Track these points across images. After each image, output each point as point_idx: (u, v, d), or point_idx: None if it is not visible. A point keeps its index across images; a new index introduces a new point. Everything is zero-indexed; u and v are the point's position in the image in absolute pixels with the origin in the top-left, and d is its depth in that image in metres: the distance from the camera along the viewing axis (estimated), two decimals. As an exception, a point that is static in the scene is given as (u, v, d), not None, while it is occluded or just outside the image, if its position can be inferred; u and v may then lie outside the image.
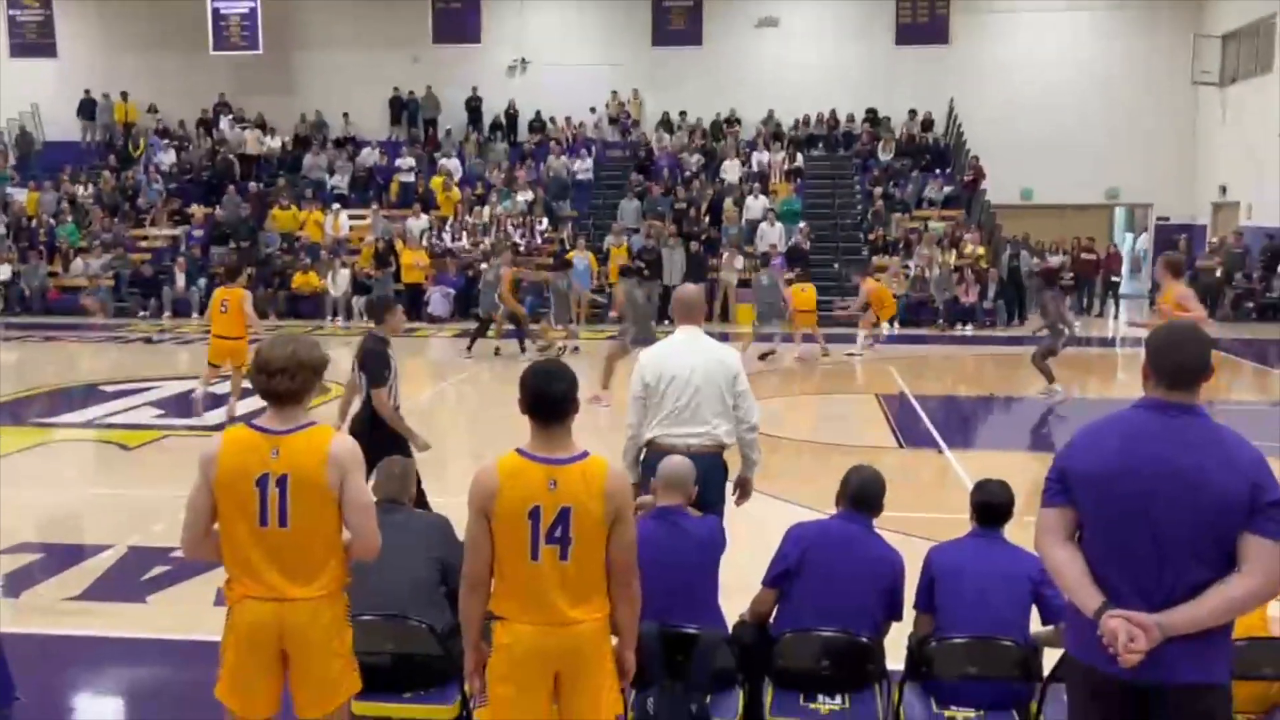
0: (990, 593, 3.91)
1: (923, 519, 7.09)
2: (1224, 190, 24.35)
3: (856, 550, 4.13)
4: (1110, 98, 25.15)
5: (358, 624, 3.73)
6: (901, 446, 10.59)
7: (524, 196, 23.65)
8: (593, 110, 26.59)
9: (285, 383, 3.34)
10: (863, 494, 4.24)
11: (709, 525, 4.27)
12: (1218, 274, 21.00)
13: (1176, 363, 2.98)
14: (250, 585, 3.36)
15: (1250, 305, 20.86)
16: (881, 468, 8.92)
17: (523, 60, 26.91)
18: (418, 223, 22.77)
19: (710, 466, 4.89)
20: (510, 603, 3.28)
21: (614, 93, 26.68)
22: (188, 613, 5.93)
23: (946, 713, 3.87)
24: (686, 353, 5.14)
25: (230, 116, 26.94)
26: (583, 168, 25.18)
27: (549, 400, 3.26)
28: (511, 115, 26.84)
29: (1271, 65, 22.09)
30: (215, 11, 25.37)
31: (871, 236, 22.79)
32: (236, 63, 26.27)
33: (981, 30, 25.74)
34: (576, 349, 16.49)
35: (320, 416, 3.68)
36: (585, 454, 3.30)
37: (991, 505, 4.14)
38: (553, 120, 26.60)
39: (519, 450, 3.31)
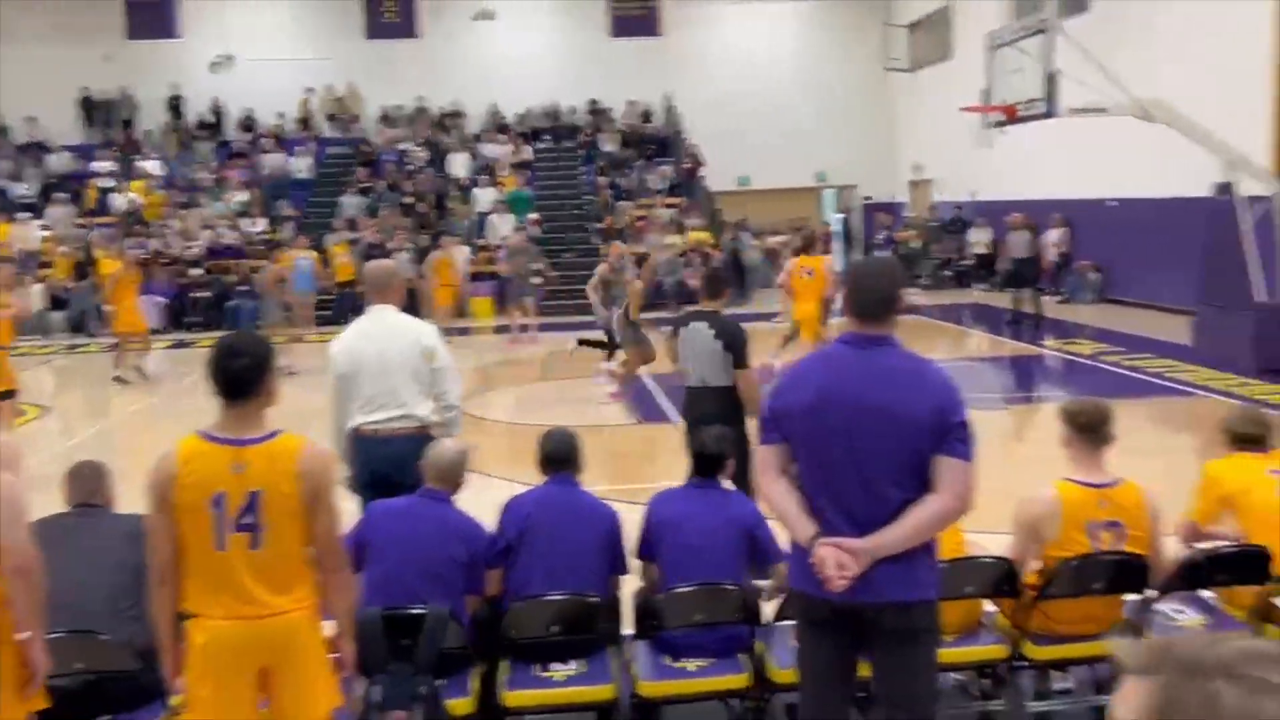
0: (709, 538, 3.97)
1: (662, 489, 7.19)
2: (918, 169, 26.28)
3: (569, 509, 4.11)
4: (814, 86, 26.59)
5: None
6: (640, 423, 10.77)
7: (239, 197, 22.45)
8: (305, 104, 25.58)
9: None
10: (556, 453, 4.23)
11: (466, 522, 4.07)
12: (915, 246, 22.68)
13: (863, 296, 3.11)
14: None
15: (947, 273, 22.61)
16: (621, 444, 8.95)
17: (227, 55, 25.51)
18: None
19: (415, 450, 4.65)
20: (202, 597, 3.04)
21: (329, 87, 25.79)
22: None
23: (677, 665, 3.90)
24: (376, 335, 4.91)
25: (-109, 122, 24.12)
26: (301, 165, 24.18)
27: (230, 375, 3.03)
28: (218, 113, 25.42)
29: (952, 52, 24.01)
30: None
31: (601, 225, 23.12)
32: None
33: (691, 23, 26.60)
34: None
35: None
36: (276, 433, 3.08)
37: (703, 455, 4.20)
38: (281, 115, 25.41)
39: (199, 432, 3.06)
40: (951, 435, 2.98)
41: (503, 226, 21.57)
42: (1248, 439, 4.22)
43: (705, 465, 4.20)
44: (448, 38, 25.98)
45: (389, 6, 25.93)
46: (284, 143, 24.78)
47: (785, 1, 26.92)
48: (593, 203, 23.89)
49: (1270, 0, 13.86)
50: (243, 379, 3.03)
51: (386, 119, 25.55)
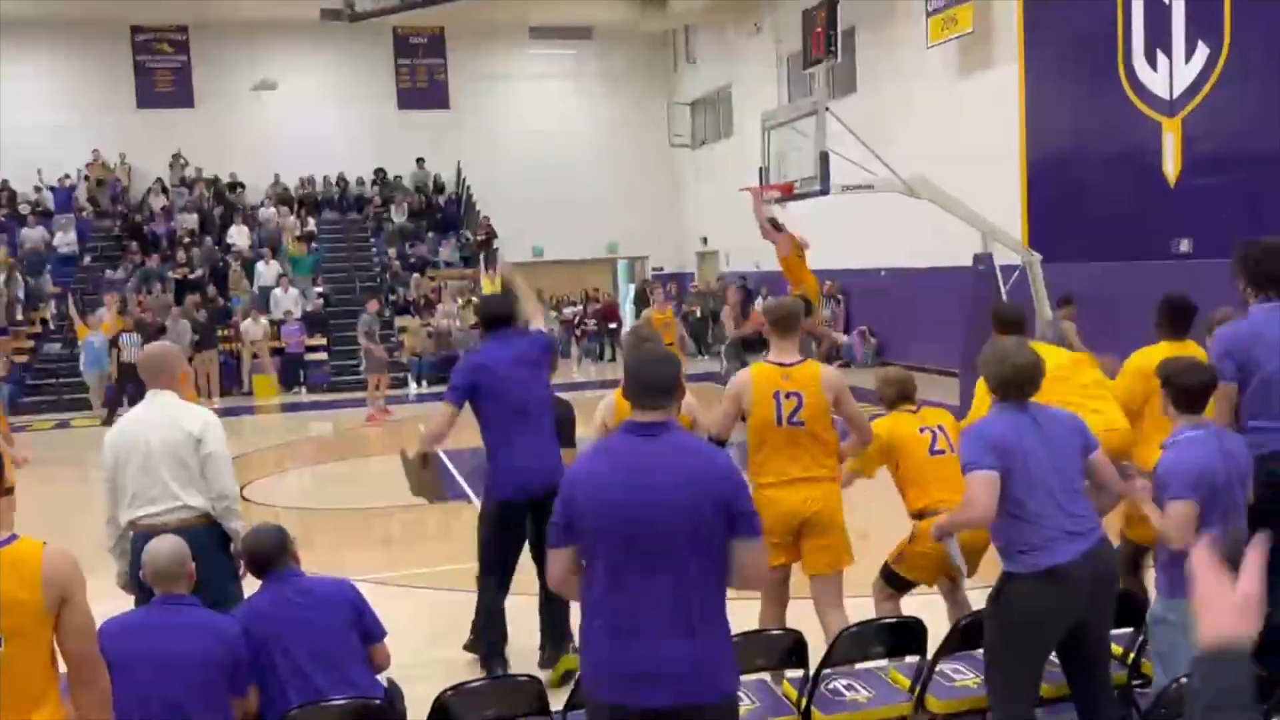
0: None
1: (460, 570, 7.03)
2: (705, 240, 27.14)
3: (300, 604, 3.87)
4: (605, 160, 27.15)
5: None
6: (431, 502, 10.51)
7: (-5, 273, 20.88)
8: (67, 177, 24.14)
9: None
10: (258, 555, 4.00)
11: (214, 621, 3.78)
12: (698, 314, 23.49)
13: (642, 383, 3.12)
14: None
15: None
16: (416, 524, 8.73)
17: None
18: None
19: (198, 540, 4.33)
20: None
21: (96, 154, 24.47)
22: None
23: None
24: (145, 423, 4.65)
25: None
26: (65, 239, 22.72)
27: None
28: (-28, 184, 23.69)
29: (733, 129, 25.04)
30: None
31: (392, 297, 22.73)
32: None
33: (481, 97, 26.76)
34: None
35: None
36: (13, 538, 2.80)
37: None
38: (39, 190, 23.83)
39: None
40: (742, 519, 3.03)
41: (285, 300, 20.87)
42: (900, 398, 5.11)
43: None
44: (226, 108, 25.21)
45: (162, 75, 24.96)
46: (45, 216, 23.27)
47: (573, 79, 27.50)
48: (383, 275, 23.49)
49: (1019, 85, 15.12)
50: None
51: (162, 191, 24.41)
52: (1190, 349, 4.92)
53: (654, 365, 3.16)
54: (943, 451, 4.83)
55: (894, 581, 4.94)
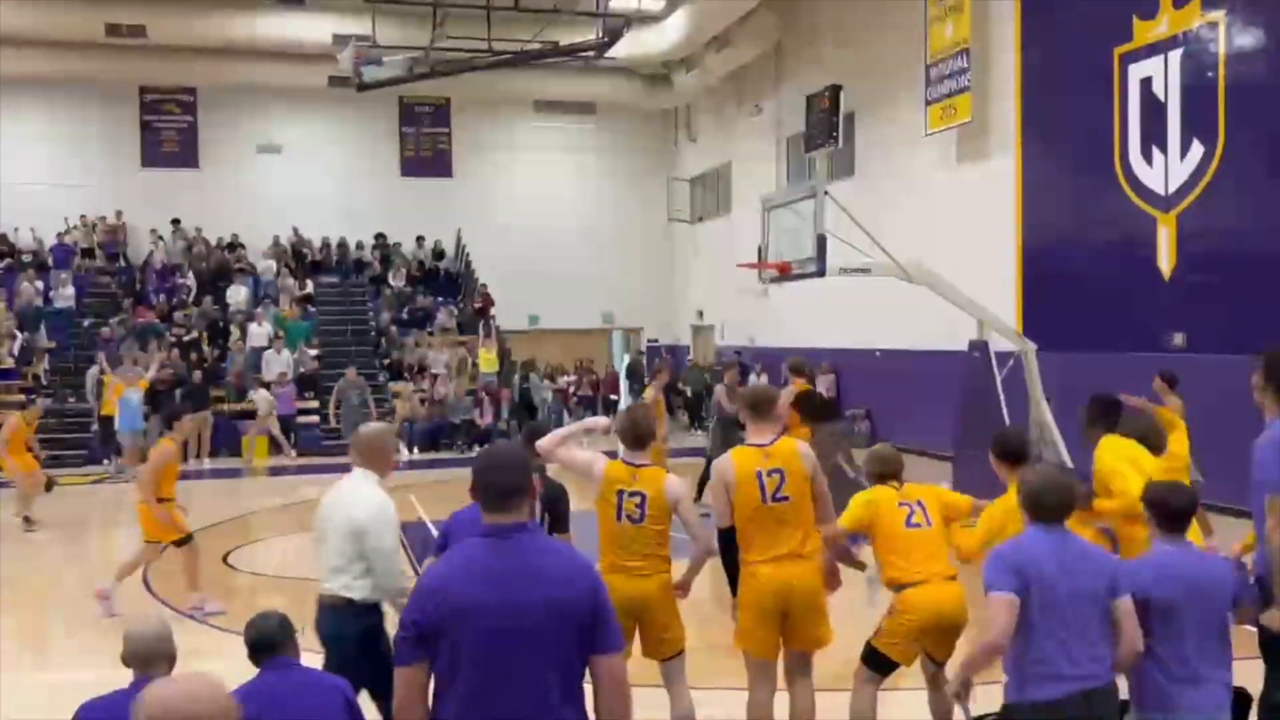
0: None
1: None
2: (701, 314, 27.27)
3: (295, 695, 3.74)
4: (603, 232, 27.43)
5: None
6: (419, 575, 10.39)
7: (-8, 326, 20.86)
8: (67, 232, 24.26)
9: None
10: (262, 641, 3.83)
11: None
12: (689, 394, 23.55)
13: (489, 484, 2.97)
14: None
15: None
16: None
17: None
18: None
19: (331, 620, 4.54)
20: None
21: (100, 214, 24.62)
22: None
23: None
24: (337, 500, 4.80)
25: None
26: (63, 294, 22.76)
27: None
28: (-26, 238, 23.78)
29: (730, 205, 25.30)
30: None
31: (387, 362, 22.75)
32: None
33: (483, 168, 27.10)
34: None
35: None
36: None
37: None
38: (40, 241, 23.94)
39: None
40: (603, 632, 2.92)
41: (276, 364, 20.78)
42: (886, 475, 5.25)
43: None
44: (230, 169, 25.50)
45: (167, 136, 25.25)
46: (43, 270, 23.34)
47: (575, 153, 27.85)
48: (379, 339, 23.52)
49: (1016, 175, 15.32)
50: None
51: (163, 249, 24.52)
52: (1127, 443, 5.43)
53: (500, 466, 3.01)
54: (919, 525, 5.01)
55: (875, 662, 4.97)
